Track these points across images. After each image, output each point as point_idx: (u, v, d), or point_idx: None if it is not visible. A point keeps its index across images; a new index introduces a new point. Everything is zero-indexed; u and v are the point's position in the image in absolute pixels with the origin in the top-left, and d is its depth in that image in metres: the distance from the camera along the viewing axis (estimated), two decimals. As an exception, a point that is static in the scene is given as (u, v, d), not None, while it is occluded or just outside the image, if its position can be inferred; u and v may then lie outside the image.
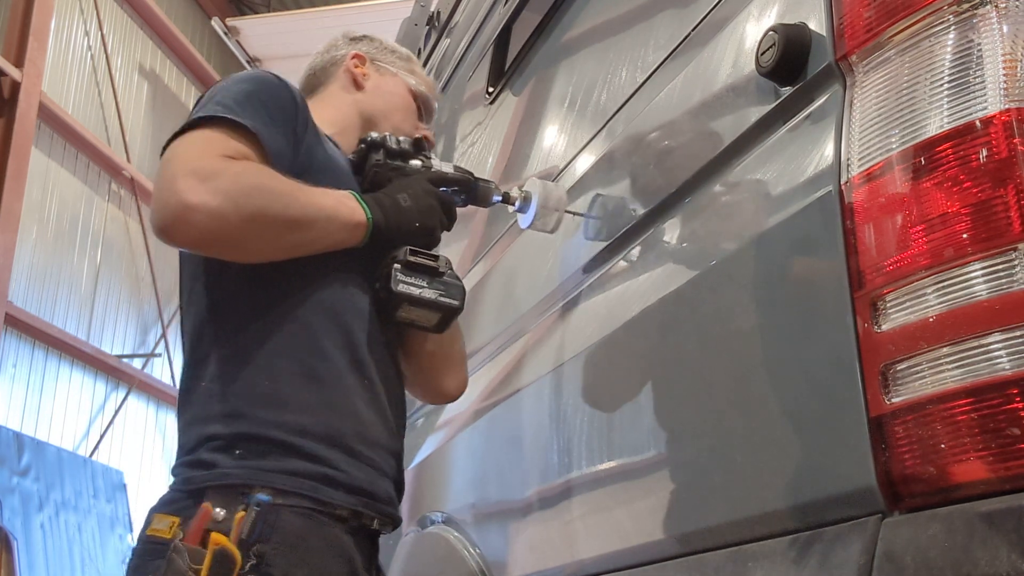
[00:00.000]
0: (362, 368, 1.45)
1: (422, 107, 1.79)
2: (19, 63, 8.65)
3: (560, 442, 1.49)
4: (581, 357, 1.45)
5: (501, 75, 2.35)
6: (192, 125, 1.37)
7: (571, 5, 1.97)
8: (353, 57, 1.76)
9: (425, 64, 3.29)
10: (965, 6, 0.87)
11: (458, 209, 1.57)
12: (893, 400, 0.85)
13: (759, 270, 1.07)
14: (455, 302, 1.48)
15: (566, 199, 1.56)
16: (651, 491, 1.23)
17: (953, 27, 0.87)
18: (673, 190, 1.29)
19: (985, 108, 0.83)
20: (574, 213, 1.56)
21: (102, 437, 9.86)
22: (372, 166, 1.53)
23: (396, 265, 1.45)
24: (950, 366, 0.81)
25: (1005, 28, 0.85)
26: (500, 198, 1.59)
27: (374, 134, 1.58)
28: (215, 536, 1.27)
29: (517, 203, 1.58)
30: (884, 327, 0.87)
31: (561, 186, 1.58)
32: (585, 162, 1.65)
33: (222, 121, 1.37)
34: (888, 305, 0.87)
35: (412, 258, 1.45)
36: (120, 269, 10.52)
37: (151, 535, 1.33)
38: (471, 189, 1.57)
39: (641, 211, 1.39)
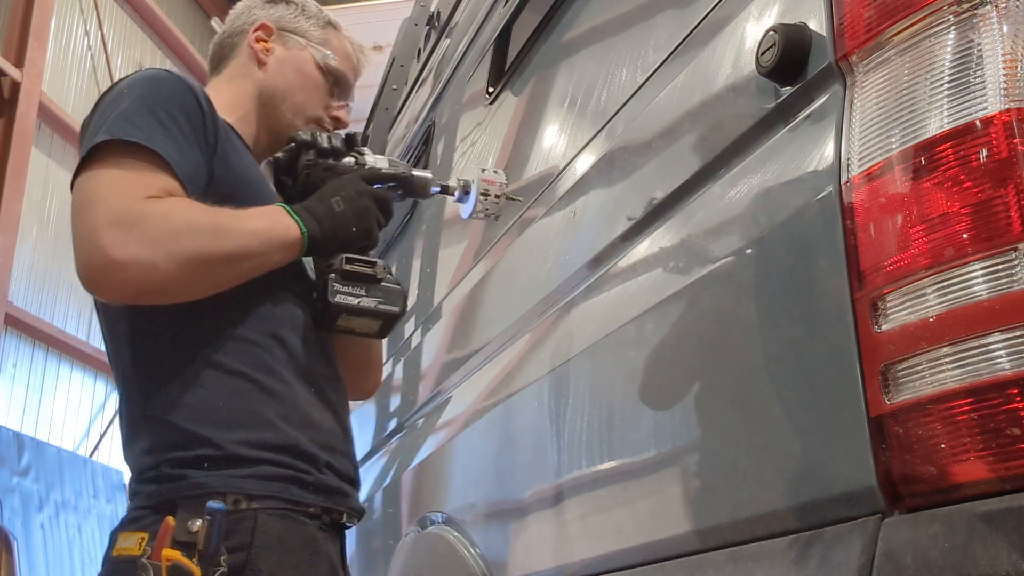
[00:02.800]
0: (309, 377, 1.44)
1: (334, 84, 1.66)
2: (19, 63, 8.66)
3: (560, 442, 1.49)
4: (581, 357, 1.45)
5: (501, 75, 2.35)
6: (102, 151, 1.30)
7: (571, 5, 1.97)
8: (257, 29, 1.64)
9: (425, 64, 3.29)
10: (965, 6, 0.87)
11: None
12: (893, 400, 0.85)
13: (759, 270, 1.07)
14: (395, 308, 1.45)
15: (506, 184, 1.55)
16: (651, 491, 1.23)
17: (953, 27, 0.87)
18: (673, 190, 1.29)
19: (985, 108, 0.83)
20: (514, 199, 1.55)
21: (102, 437, 9.87)
22: (304, 167, 1.48)
23: (332, 275, 1.42)
24: (950, 366, 0.81)
25: (1005, 28, 0.84)
26: (439, 189, 1.56)
27: (303, 133, 1.51)
28: (166, 552, 1.25)
29: (457, 193, 1.56)
30: (884, 327, 0.87)
31: (500, 172, 1.56)
32: (585, 162, 1.65)
33: (134, 147, 1.30)
34: (888, 305, 0.87)
35: (348, 267, 1.42)
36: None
37: (118, 555, 1.30)
38: (407, 183, 1.53)
39: (641, 211, 1.38)
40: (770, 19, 1.13)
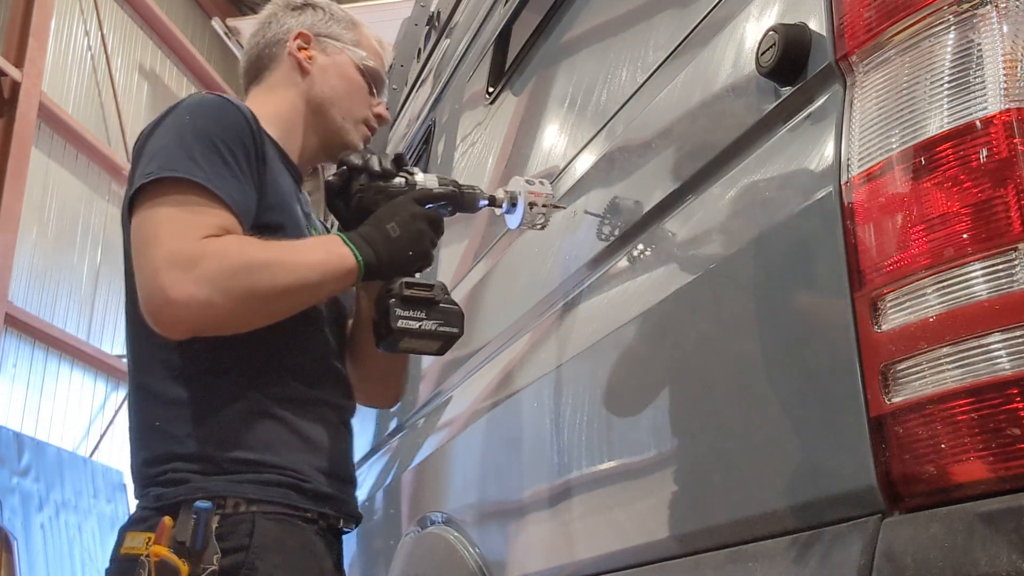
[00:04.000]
0: (314, 403, 1.48)
1: (373, 82, 1.71)
2: (19, 63, 8.66)
3: (560, 442, 1.49)
4: (581, 357, 1.45)
5: (501, 75, 2.35)
6: (163, 185, 1.34)
7: (571, 5, 1.97)
8: (296, 37, 1.66)
9: (425, 64, 3.29)
10: (965, 6, 0.87)
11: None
12: (893, 400, 0.85)
13: (759, 270, 1.07)
14: (455, 329, 1.49)
15: (552, 195, 1.55)
16: (651, 491, 1.23)
17: (953, 27, 0.87)
18: (673, 190, 1.29)
19: (985, 108, 0.83)
20: (560, 207, 1.56)
21: (102, 437, 9.86)
22: (357, 191, 1.51)
23: (392, 300, 1.45)
24: (950, 366, 0.81)
25: (1005, 28, 0.85)
26: (486, 202, 1.58)
27: (354, 158, 1.53)
28: (155, 549, 1.30)
29: (504, 205, 1.57)
30: (884, 327, 0.87)
31: (546, 182, 1.57)
32: (585, 162, 1.65)
33: (195, 185, 1.34)
34: (888, 305, 0.87)
35: (408, 292, 1.45)
36: (120, 269, 10.49)
37: (125, 553, 1.35)
38: (457, 200, 1.56)
39: (641, 211, 1.38)
40: (770, 19, 1.13)
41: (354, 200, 1.51)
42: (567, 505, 1.44)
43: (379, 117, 1.71)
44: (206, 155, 1.36)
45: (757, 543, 0.99)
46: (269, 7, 1.73)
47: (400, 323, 1.44)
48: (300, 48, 1.65)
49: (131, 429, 1.47)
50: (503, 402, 1.76)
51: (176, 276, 1.28)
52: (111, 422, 10.03)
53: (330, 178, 1.55)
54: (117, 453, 10.12)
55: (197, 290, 1.27)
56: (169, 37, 11.41)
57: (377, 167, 1.51)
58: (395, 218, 1.46)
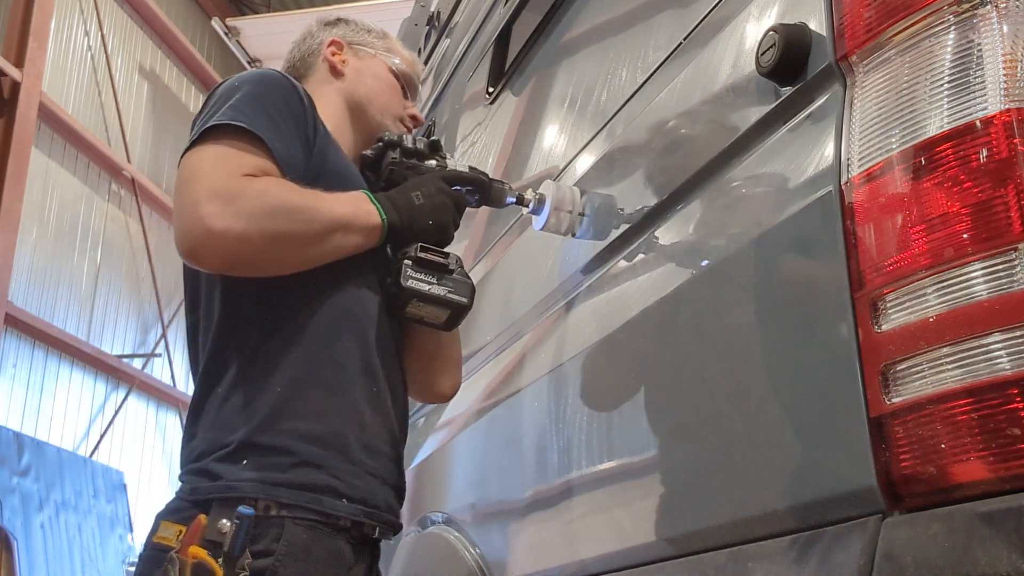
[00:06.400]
0: (372, 376, 1.47)
1: (405, 85, 1.77)
2: (19, 63, 8.67)
3: (560, 442, 1.49)
4: (581, 357, 1.45)
5: (501, 75, 2.35)
6: (208, 133, 1.38)
7: (571, 5, 1.97)
8: (330, 44, 1.74)
9: (425, 64, 3.29)
10: (965, 6, 0.87)
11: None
12: (893, 400, 0.85)
13: (759, 270, 1.07)
14: (464, 299, 1.49)
15: (580, 201, 1.56)
16: (651, 491, 1.23)
17: (953, 27, 0.87)
18: (673, 190, 1.30)
19: (985, 108, 0.83)
20: (587, 215, 1.56)
21: (102, 437, 9.87)
22: (388, 164, 1.55)
23: (406, 261, 1.47)
24: (950, 366, 0.81)
25: (1005, 28, 0.85)
26: (514, 199, 1.60)
27: (391, 133, 1.59)
28: (192, 550, 1.29)
29: (531, 205, 1.58)
30: (884, 327, 0.87)
31: (575, 188, 1.58)
32: (585, 162, 1.65)
33: (238, 131, 1.38)
34: (888, 305, 0.87)
35: (422, 254, 1.47)
36: (120, 269, 10.53)
37: (157, 542, 1.35)
38: (485, 189, 1.58)
39: (641, 211, 1.39)
40: (770, 19, 1.13)
41: (384, 173, 1.55)
42: (567, 505, 1.44)
43: (413, 119, 1.76)
44: (253, 108, 1.41)
45: (757, 543, 0.99)
46: (303, 27, 1.82)
47: (410, 283, 1.46)
48: (334, 54, 1.73)
49: (192, 398, 1.48)
50: (503, 402, 1.76)
51: (216, 208, 1.30)
52: (111, 422, 10.03)
53: (366, 152, 1.59)
54: (117, 453, 10.14)
55: (235, 223, 1.30)
56: (169, 37, 11.42)
57: (411, 144, 1.56)
58: (420, 188, 1.50)
